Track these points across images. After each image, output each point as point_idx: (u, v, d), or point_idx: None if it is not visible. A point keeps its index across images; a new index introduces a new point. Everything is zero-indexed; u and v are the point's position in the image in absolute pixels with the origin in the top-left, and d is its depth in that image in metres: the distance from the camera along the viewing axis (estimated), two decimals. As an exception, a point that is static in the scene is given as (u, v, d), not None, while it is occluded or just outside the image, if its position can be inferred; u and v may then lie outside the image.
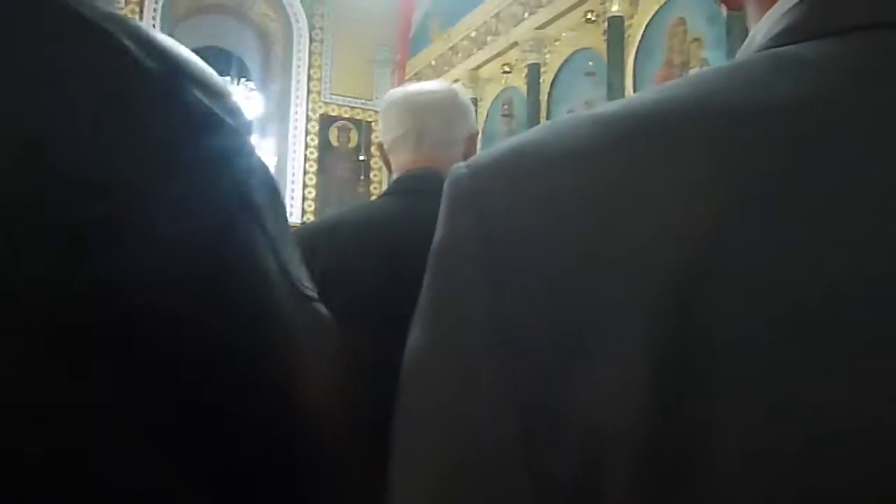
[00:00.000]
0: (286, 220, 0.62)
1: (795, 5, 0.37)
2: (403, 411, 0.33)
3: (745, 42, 0.42)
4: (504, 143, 0.36)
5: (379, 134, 1.38)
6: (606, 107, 0.35)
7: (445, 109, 1.33)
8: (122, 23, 0.55)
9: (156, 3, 10.77)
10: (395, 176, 1.35)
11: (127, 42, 0.53)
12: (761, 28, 0.40)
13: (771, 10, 0.40)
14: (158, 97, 0.54)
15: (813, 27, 0.36)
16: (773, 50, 0.36)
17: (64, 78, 0.52)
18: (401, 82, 3.90)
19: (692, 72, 6.25)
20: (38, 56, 0.52)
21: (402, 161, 1.32)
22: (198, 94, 0.55)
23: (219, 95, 0.58)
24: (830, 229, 0.26)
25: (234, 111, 0.59)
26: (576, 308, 0.28)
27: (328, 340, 0.65)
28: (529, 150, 0.34)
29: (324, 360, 0.64)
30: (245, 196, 0.56)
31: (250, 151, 0.59)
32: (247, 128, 0.60)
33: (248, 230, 0.55)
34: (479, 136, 6.43)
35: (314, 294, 0.62)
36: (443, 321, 0.32)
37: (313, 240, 1.26)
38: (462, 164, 0.36)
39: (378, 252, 1.22)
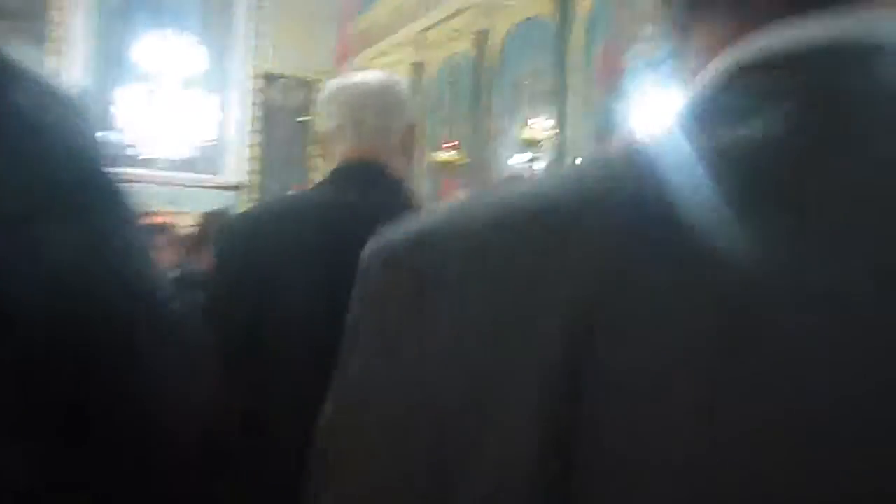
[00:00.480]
0: (141, 231, 0.65)
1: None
2: (334, 437, 0.35)
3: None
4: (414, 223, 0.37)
5: (318, 124, 1.41)
6: (520, 188, 0.36)
7: (383, 100, 1.35)
8: None
9: (87, -55, 10.19)
10: (332, 166, 1.37)
11: None
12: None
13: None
14: (25, 116, 0.55)
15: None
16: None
17: None
18: (345, 43, 3.87)
19: (634, 49, 6.23)
20: None
21: (340, 150, 1.34)
22: (67, 114, 0.58)
23: (82, 112, 0.61)
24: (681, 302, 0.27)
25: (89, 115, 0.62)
26: (482, 371, 0.29)
27: (168, 332, 0.64)
28: (438, 230, 0.35)
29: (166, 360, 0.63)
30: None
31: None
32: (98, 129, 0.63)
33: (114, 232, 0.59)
34: (427, 98, 6.33)
35: (163, 290, 0.64)
36: (375, 358, 0.34)
37: (254, 228, 1.30)
38: (371, 246, 0.37)
39: (315, 241, 1.25)
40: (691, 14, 0.40)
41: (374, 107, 1.32)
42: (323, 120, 1.38)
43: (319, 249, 1.23)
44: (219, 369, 0.92)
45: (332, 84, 1.39)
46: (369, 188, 1.30)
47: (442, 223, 0.35)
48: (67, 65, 10.00)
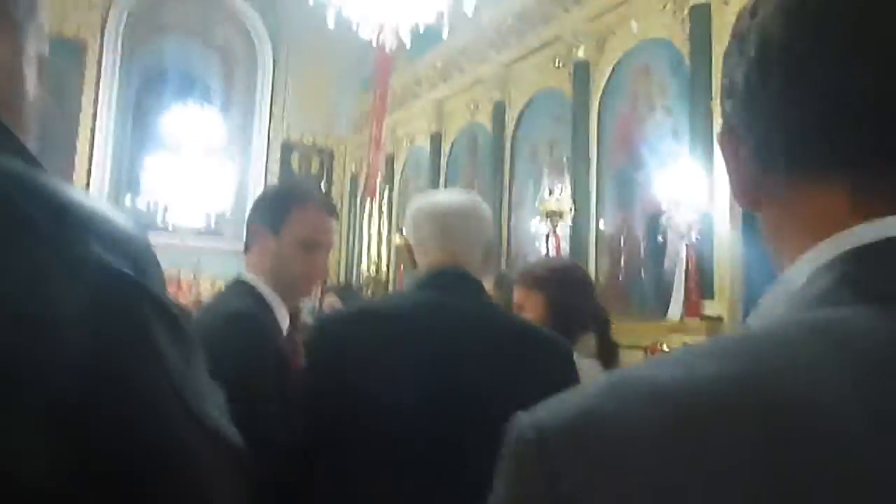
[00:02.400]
0: (193, 353, 0.65)
1: (843, 259, 0.39)
2: None
3: (783, 280, 0.43)
4: (570, 405, 0.38)
5: (406, 235, 1.59)
6: (663, 375, 0.38)
7: (468, 218, 1.51)
8: (18, 182, 0.59)
9: (118, 22, 10.61)
10: (421, 270, 1.54)
11: (17, 201, 0.57)
12: (801, 271, 0.42)
13: (812, 255, 0.42)
14: (50, 254, 0.56)
15: (864, 291, 0.38)
16: (823, 319, 0.38)
17: None
18: (377, 116, 4.05)
19: (656, 120, 6.40)
20: None
21: (427, 259, 1.51)
22: (97, 247, 0.58)
23: (121, 246, 0.60)
24: None
25: (140, 257, 0.62)
26: None
27: (226, 468, 0.67)
28: (597, 424, 0.36)
29: (221, 486, 0.66)
30: (146, 342, 0.59)
31: (152, 297, 0.61)
32: (153, 271, 0.63)
33: (146, 368, 0.59)
34: (445, 168, 6.45)
35: (216, 424, 0.65)
36: None
37: (347, 328, 1.45)
38: (527, 422, 0.38)
39: (414, 340, 1.38)
40: (790, 179, 0.44)
41: (461, 223, 1.49)
42: (410, 231, 1.54)
43: (411, 343, 1.36)
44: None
45: (421, 201, 1.56)
46: (456, 290, 1.44)
47: (603, 415, 0.37)
48: (101, 135, 10.30)
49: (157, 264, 0.66)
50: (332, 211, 1.76)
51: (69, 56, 9.95)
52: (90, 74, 10.36)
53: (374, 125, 3.73)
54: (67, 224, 0.59)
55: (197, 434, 0.62)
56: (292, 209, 1.67)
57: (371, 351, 1.37)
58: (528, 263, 2.22)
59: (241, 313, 1.53)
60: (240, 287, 1.67)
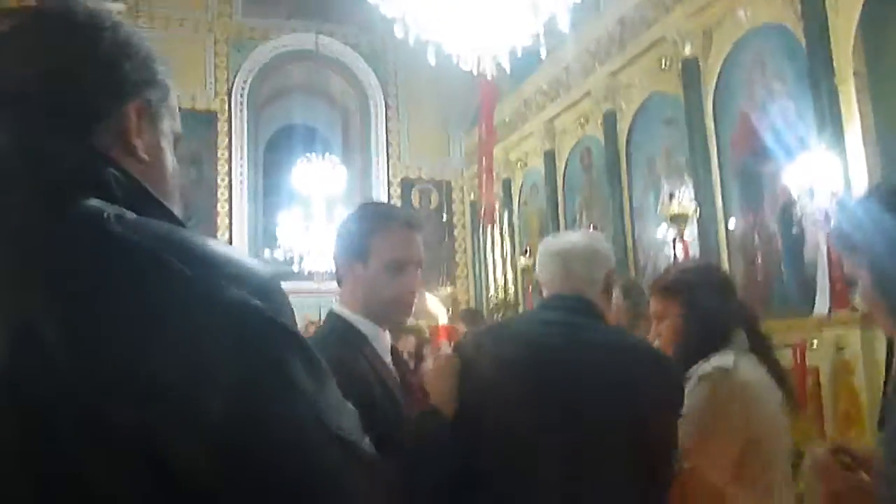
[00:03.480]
0: (325, 377, 0.73)
1: None
2: None
3: None
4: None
5: (537, 273, 1.82)
6: None
7: (586, 256, 1.72)
8: (167, 240, 0.69)
9: (242, 90, 11.45)
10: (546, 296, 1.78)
11: (167, 256, 0.66)
12: None
13: None
14: (196, 299, 0.65)
15: None
16: None
17: (110, 291, 0.64)
18: (486, 146, 4.19)
19: (776, 109, 6.11)
20: (89, 275, 0.65)
21: (551, 291, 1.74)
22: (234, 289, 0.67)
23: (254, 286, 0.69)
24: None
25: (271, 295, 0.70)
26: None
27: (372, 479, 0.74)
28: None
29: (370, 496, 0.73)
30: (279, 371, 0.67)
31: (284, 329, 0.70)
32: (284, 308, 0.71)
33: (283, 399, 0.66)
34: (562, 186, 6.45)
35: (353, 437, 0.72)
36: None
37: (476, 349, 1.65)
38: None
39: (528, 353, 1.58)
40: None
41: (580, 259, 1.71)
42: (539, 269, 1.79)
43: (533, 359, 1.55)
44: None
45: (547, 241, 1.81)
46: (575, 313, 1.65)
47: None
48: (237, 196, 11.11)
49: (288, 302, 0.74)
50: (414, 224, 1.70)
51: (203, 128, 10.85)
52: (223, 141, 11.24)
53: (485, 154, 3.81)
54: (211, 271, 0.68)
55: (340, 452, 0.69)
56: (376, 234, 1.63)
57: (498, 370, 1.54)
58: (661, 272, 2.21)
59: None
60: (329, 321, 1.68)
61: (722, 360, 1.81)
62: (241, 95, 11.38)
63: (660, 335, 2.00)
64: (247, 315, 0.67)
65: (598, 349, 1.56)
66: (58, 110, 0.76)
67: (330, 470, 0.68)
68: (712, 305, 1.93)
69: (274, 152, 12.26)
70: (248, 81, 11.51)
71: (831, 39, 5.49)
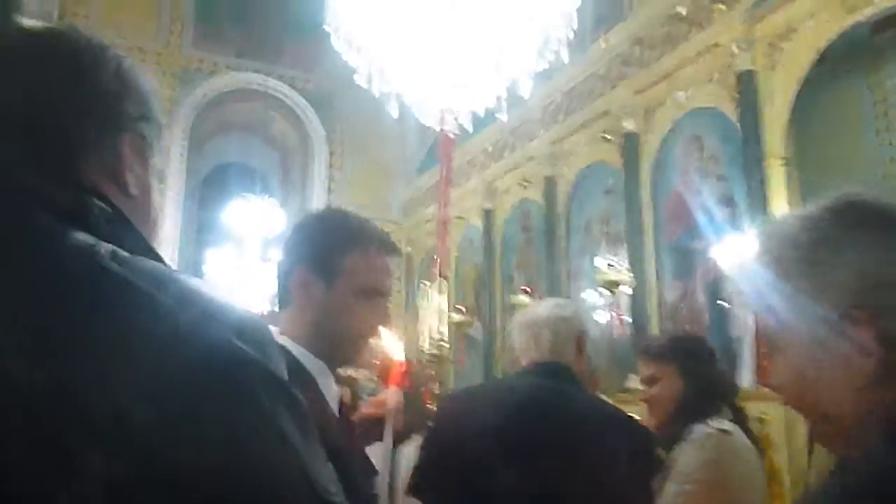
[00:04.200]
0: (313, 435, 0.70)
1: None
2: None
3: None
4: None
5: (513, 342, 1.93)
6: None
7: (552, 323, 1.83)
8: (163, 281, 0.66)
9: (185, 123, 11.25)
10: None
11: (163, 298, 0.64)
12: None
13: None
14: (191, 346, 0.62)
15: None
16: None
17: (102, 332, 0.61)
18: (443, 199, 4.24)
19: (709, 188, 6.41)
20: (82, 313, 0.61)
21: (527, 360, 1.83)
22: (229, 336, 0.64)
23: (249, 334, 0.66)
24: None
25: (264, 344, 0.68)
26: None
27: None
28: None
29: None
30: (272, 425, 0.64)
31: (274, 378, 0.67)
32: (276, 358, 0.69)
33: (275, 457, 0.63)
34: (500, 244, 6.55)
35: (335, 496, 0.69)
36: None
37: (461, 407, 1.74)
38: None
39: (514, 414, 1.62)
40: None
41: (548, 328, 1.81)
42: (515, 340, 1.90)
43: (518, 422, 1.59)
44: None
45: (518, 315, 1.96)
46: (553, 377, 1.74)
47: None
48: (169, 226, 10.78)
49: (277, 348, 0.71)
50: (393, 250, 1.45)
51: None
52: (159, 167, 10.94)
53: (441, 208, 3.84)
54: (207, 317, 0.65)
55: None
56: (351, 251, 1.34)
57: (485, 428, 1.50)
58: (646, 340, 2.47)
59: None
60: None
61: (721, 424, 1.90)
62: (185, 128, 11.17)
63: (651, 398, 2.09)
64: (241, 364, 0.64)
65: (580, 419, 1.57)
66: (51, 139, 0.74)
67: None
68: (710, 373, 2.06)
69: (209, 189, 12.02)
70: (192, 115, 11.32)
71: (765, 126, 5.83)
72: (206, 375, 0.62)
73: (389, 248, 1.42)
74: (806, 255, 0.77)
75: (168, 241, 10.68)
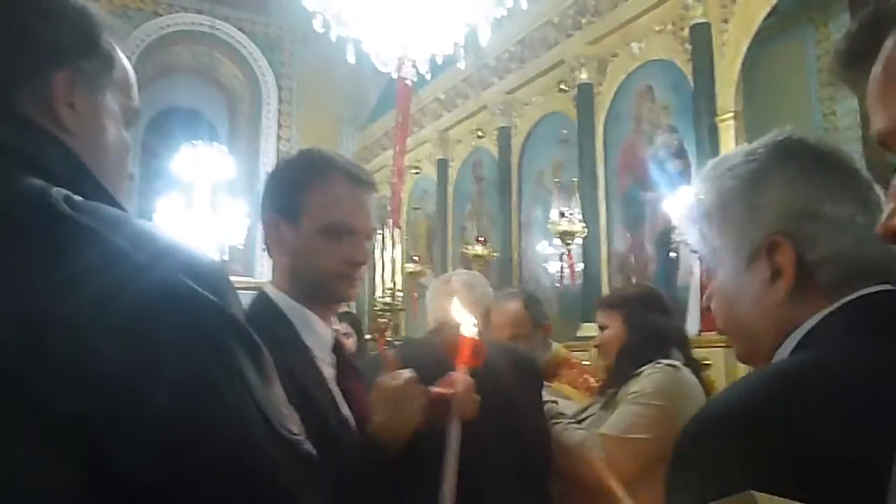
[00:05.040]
0: (271, 373, 0.71)
1: None
2: None
3: None
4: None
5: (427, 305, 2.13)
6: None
7: (468, 290, 2.00)
8: (118, 225, 0.66)
9: (124, 66, 10.80)
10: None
11: (120, 242, 0.64)
12: None
13: None
14: (147, 287, 0.63)
15: None
16: None
17: (61, 275, 0.61)
18: (399, 147, 4.23)
19: (661, 139, 6.51)
20: (40, 258, 0.62)
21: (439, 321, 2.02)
22: (185, 279, 0.65)
23: (205, 277, 0.68)
24: None
25: (221, 287, 0.69)
26: None
27: (313, 479, 0.73)
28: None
29: (310, 496, 0.72)
30: (228, 364, 0.66)
31: (229, 319, 0.68)
32: (233, 300, 0.70)
33: (231, 393, 0.65)
34: (453, 194, 6.59)
35: (296, 435, 0.71)
36: None
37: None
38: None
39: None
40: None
41: (463, 291, 1.96)
42: (429, 301, 2.11)
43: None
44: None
45: (436, 280, 2.16)
46: None
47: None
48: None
49: (235, 292, 0.72)
50: (365, 183, 1.33)
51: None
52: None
53: (398, 156, 3.82)
54: (163, 259, 0.66)
55: (279, 447, 0.68)
56: (310, 187, 1.27)
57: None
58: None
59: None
60: (254, 303, 1.29)
61: (671, 361, 2.03)
62: (124, 70, 10.72)
63: (600, 343, 2.27)
64: (197, 306, 0.65)
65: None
66: None
67: (272, 467, 0.67)
68: (654, 321, 2.19)
69: (155, 135, 11.62)
70: (134, 57, 10.85)
71: (716, 79, 5.91)
72: (163, 316, 0.63)
73: (357, 180, 1.31)
74: (741, 183, 0.83)
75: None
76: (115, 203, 0.74)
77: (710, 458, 0.65)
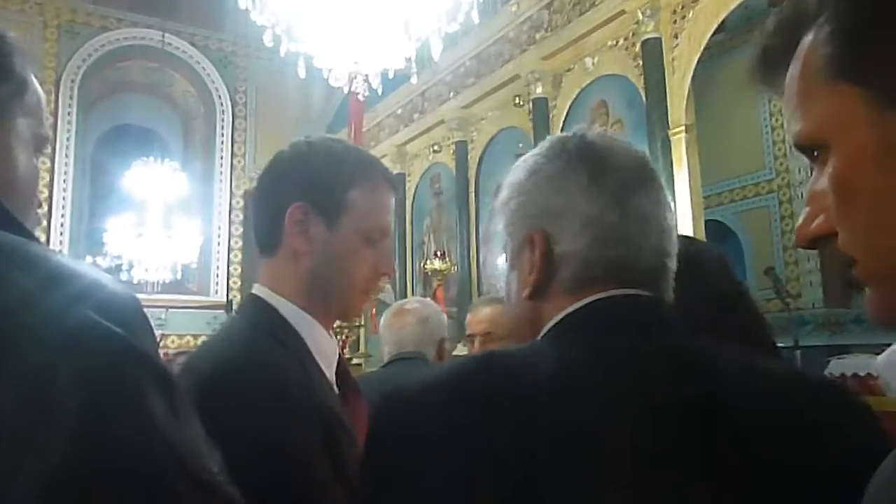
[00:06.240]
0: (186, 409, 0.65)
1: None
2: None
3: None
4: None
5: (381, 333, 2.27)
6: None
7: (419, 321, 2.18)
8: (5, 251, 0.62)
9: (72, 83, 10.55)
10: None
11: (6, 269, 0.59)
12: None
13: None
14: (36, 320, 0.58)
15: None
16: None
17: None
18: None
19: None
20: None
21: (393, 351, 2.20)
22: (82, 309, 0.60)
23: (108, 305, 0.62)
24: None
25: (127, 316, 0.63)
26: None
27: None
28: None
29: None
30: (137, 411, 0.60)
31: (145, 359, 0.63)
32: (143, 332, 0.65)
33: (140, 432, 0.59)
34: (411, 209, 6.58)
35: (216, 475, 0.65)
36: None
37: None
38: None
39: None
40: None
41: (413, 327, 2.15)
42: (383, 331, 2.21)
43: None
44: None
45: (389, 309, 2.27)
46: (415, 361, 2.11)
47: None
48: (58, 195, 10.15)
49: (149, 326, 0.67)
50: (396, 189, 1.22)
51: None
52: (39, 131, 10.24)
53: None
54: (57, 288, 0.61)
55: (197, 492, 0.62)
56: (356, 185, 1.12)
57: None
58: None
59: (247, 360, 1.00)
60: (252, 310, 1.11)
61: None
62: (71, 87, 10.46)
63: None
64: (96, 339, 0.59)
65: None
66: None
67: None
68: None
69: (106, 153, 11.34)
70: (80, 73, 10.62)
71: (668, 93, 6.00)
72: (60, 359, 0.57)
73: (394, 185, 1.21)
74: (517, 179, 0.86)
75: (57, 209, 10.10)
76: (24, 232, 0.69)
77: None
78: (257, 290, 1.12)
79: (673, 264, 0.81)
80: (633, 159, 0.83)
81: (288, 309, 1.09)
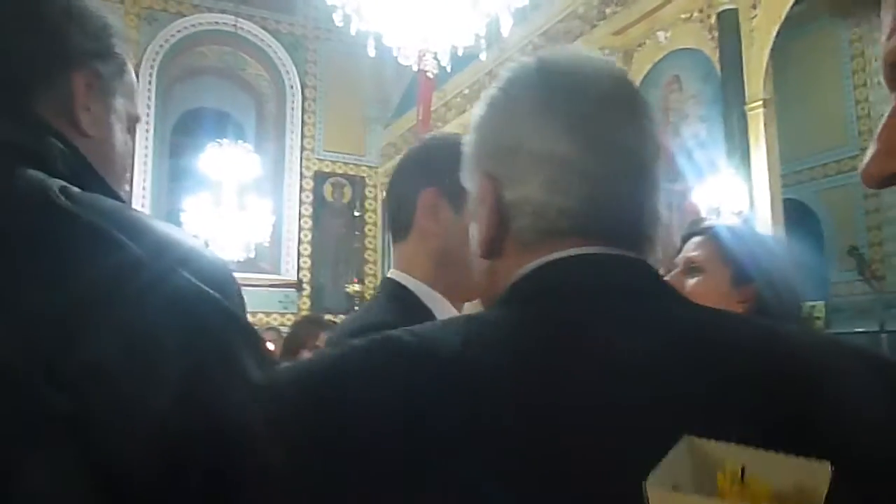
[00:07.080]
0: (268, 360, 0.71)
1: None
2: None
3: None
4: None
5: None
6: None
7: None
8: (116, 217, 0.65)
9: (151, 67, 10.92)
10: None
11: (116, 234, 0.63)
12: None
13: None
14: (145, 281, 0.62)
15: None
16: None
17: (57, 269, 0.60)
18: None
19: (689, 130, 6.41)
20: (34, 251, 0.61)
21: None
22: (185, 274, 0.64)
23: (207, 273, 0.66)
24: None
25: (223, 283, 0.67)
26: None
27: None
28: None
29: None
30: (233, 368, 0.63)
31: (234, 318, 0.67)
32: (236, 298, 0.69)
33: (234, 392, 0.62)
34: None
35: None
36: None
37: None
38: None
39: None
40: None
41: None
42: None
43: None
44: None
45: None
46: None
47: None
48: (139, 177, 10.59)
49: (238, 288, 0.71)
50: None
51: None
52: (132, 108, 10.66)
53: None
54: (163, 253, 0.65)
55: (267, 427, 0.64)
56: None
57: None
58: None
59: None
60: (389, 290, 1.18)
61: None
62: (150, 72, 10.84)
63: None
64: (197, 302, 0.64)
65: None
66: (1, 79, 0.73)
67: (264, 468, 0.64)
68: None
69: (182, 135, 11.74)
70: (159, 58, 10.99)
71: (744, 67, 5.79)
72: (163, 313, 0.62)
73: None
74: (474, 123, 0.72)
75: (138, 188, 10.52)
76: (116, 196, 0.74)
77: None
78: (392, 273, 1.20)
79: (660, 216, 0.66)
80: (605, 77, 0.67)
81: (420, 288, 1.16)
